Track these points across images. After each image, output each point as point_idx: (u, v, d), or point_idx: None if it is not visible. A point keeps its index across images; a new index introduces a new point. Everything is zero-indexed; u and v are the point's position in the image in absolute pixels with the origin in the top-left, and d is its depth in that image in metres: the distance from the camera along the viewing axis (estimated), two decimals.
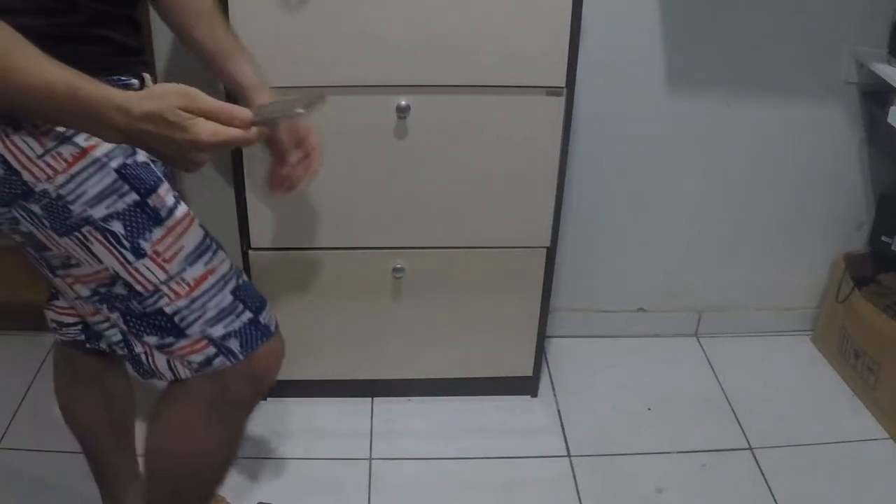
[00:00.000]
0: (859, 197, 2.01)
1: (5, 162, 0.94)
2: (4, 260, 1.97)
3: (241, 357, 1.09)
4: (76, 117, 0.86)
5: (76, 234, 0.99)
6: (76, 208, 0.97)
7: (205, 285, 1.05)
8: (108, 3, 0.98)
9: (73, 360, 1.31)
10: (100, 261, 1.01)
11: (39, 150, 0.94)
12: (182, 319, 1.05)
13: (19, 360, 1.95)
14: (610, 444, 1.79)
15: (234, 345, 1.09)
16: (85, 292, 1.07)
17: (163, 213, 1.02)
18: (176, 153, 0.88)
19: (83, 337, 1.23)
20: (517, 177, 1.60)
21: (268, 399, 1.86)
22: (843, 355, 2.00)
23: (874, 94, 1.83)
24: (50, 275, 1.08)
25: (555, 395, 1.93)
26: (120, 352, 1.14)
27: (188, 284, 1.04)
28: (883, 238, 1.97)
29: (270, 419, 1.80)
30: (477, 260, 1.69)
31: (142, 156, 1.01)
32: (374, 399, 1.88)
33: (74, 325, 1.23)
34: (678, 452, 1.78)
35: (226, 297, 1.07)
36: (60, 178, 0.96)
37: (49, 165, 0.95)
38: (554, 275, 1.74)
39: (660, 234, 2.02)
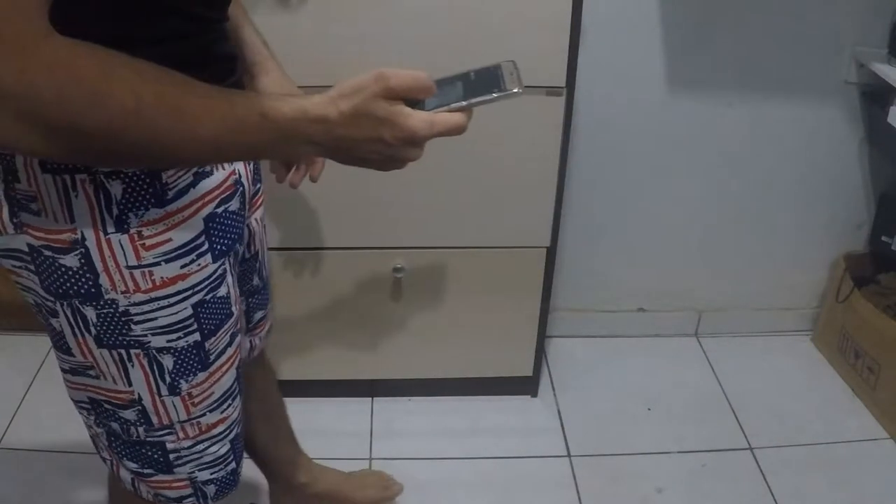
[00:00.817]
0: (859, 197, 2.01)
1: (89, 258, 0.82)
2: None
3: (210, 502, 1.04)
4: (269, 146, 0.76)
5: (121, 351, 0.88)
6: (137, 329, 0.87)
7: (214, 431, 0.99)
8: (222, 12, 0.88)
9: None
10: (129, 383, 0.91)
11: (133, 262, 0.83)
12: (178, 458, 0.98)
13: (19, 360, 1.95)
14: (610, 444, 1.79)
15: (210, 490, 1.03)
16: (77, 397, 0.97)
17: (212, 358, 0.94)
18: (386, 154, 0.78)
19: None
20: (517, 177, 1.60)
21: None
22: (843, 355, 2.00)
23: (874, 94, 1.83)
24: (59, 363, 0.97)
25: (555, 395, 1.93)
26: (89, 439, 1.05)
27: (200, 428, 0.97)
28: (883, 238, 1.97)
29: None
30: (477, 260, 1.69)
31: (223, 290, 0.91)
32: (374, 399, 1.89)
33: None
34: (678, 452, 1.78)
35: (224, 446, 1.02)
36: (139, 297, 0.85)
37: (134, 280, 0.84)
38: (554, 275, 1.74)
39: (660, 234, 2.02)
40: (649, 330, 2.13)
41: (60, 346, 0.91)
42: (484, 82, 0.80)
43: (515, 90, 0.78)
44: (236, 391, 1.00)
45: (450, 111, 0.78)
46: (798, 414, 1.90)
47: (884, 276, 1.99)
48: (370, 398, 1.89)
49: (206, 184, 0.86)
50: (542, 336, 1.82)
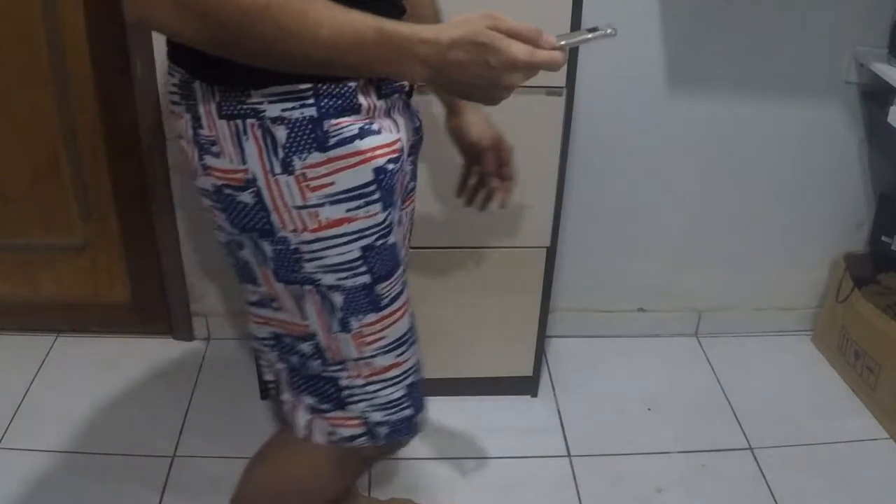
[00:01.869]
0: (859, 197, 2.02)
1: (260, 197, 0.90)
2: (4, 260, 1.97)
3: (381, 443, 1.08)
4: (383, 63, 0.82)
5: (296, 286, 0.95)
6: (308, 267, 0.93)
7: (386, 375, 1.03)
8: None
9: None
10: (305, 317, 0.98)
11: (299, 202, 0.90)
12: (350, 396, 1.03)
13: (19, 360, 1.95)
14: (610, 444, 1.79)
15: (382, 431, 1.07)
16: (262, 333, 1.04)
17: (384, 302, 0.99)
18: (488, 80, 0.84)
19: None
20: (517, 176, 1.60)
21: (268, 399, 1.86)
22: (843, 355, 2.00)
23: (874, 94, 1.83)
24: (244, 297, 1.04)
25: (555, 395, 1.93)
26: (269, 386, 1.13)
27: (372, 369, 1.02)
28: (883, 238, 1.97)
29: (271, 418, 1.80)
30: (477, 260, 1.69)
31: (392, 238, 0.97)
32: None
33: None
34: (678, 452, 1.78)
35: (398, 391, 1.06)
36: (307, 236, 0.91)
37: (302, 220, 0.90)
38: (554, 275, 1.74)
39: (660, 234, 2.02)
40: (649, 330, 2.14)
41: (250, 277, 0.99)
42: (580, 30, 0.91)
43: (609, 31, 0.88)
44: (411, 339, 1.06)
45: (562, 48, 0.87)
46: (798, 414, 1.90)
47: (884, 276, 1.99)
48: None
49: (374, 140, 0.91)
50: (542, 336, 1.82)
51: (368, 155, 0.91)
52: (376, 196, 0.92)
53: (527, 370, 1.87)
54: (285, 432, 1.12)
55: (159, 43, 1.68)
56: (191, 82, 0.89)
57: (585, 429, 1.83)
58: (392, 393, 1.05)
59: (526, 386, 1.91)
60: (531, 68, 0.84)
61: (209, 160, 0.91)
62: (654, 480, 1.70)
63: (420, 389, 1.10)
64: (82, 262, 1.97)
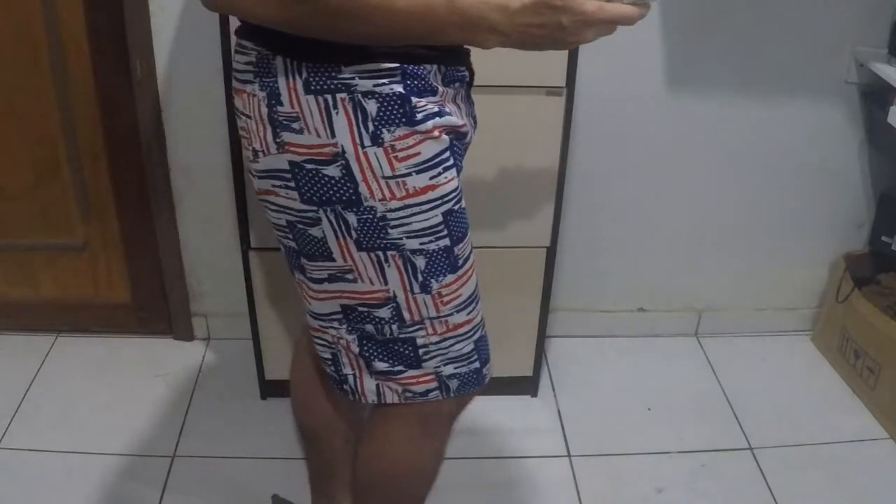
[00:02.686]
0: (859, 197, 2.02)
1: (349, 169, 0.94)
2: (5, 260, 1.97)
3: (451, 396, 1.13)
4: (456, 29, 0.86)
5: (379, 252, 0.99)
6: (394, 233, 0.98)
7: (460, 331, 1.09)
8: None
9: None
10: (386, 282, 1.02)
11: (388, 172, 0.94)
12: (426, 353, 1.08)
13: (19, 360, 1.95)
14: (610, 444, 1.79)
15: (453, 384, 1.12)
16: (328, 309, 1.07)
17: (460, 262, 1.05)
18: (561, 39, 0.87)
19: None
20: (517, 176, 1.60)
21: (268, 399, 1.86)
22: (843, 355, 2.00)
23: (874, 94, 1.83)
24: (300, 280, 1.08)
25: (555, 395, 1.93)
26: (327, 370, 1.16)
27: (448, 326, 1.07)
28: (883, 238, 1.97)
29: (271, 419, 1.80)
30: (477, 260, 1.69)
31: (464, 202, 1.04)
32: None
33: None
34: (678, 452, 1.78)
35: (468, 346, 1.11)
36: (394, 204, 0.96)
37: (390, 189, 0.95)
38: (554, 275, 1.74)
39: (660, 234, 2.02)
40: (649, 330, 2.14)
41: (321, 253, 1.01)
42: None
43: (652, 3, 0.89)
44: (479, 297, 1.11)
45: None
46: (798, 414, 1.90)
47: (884, 276, 1.99)
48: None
49: (449, 119, 0.98)
50: (542, 336, 1.82)
51: (444, 128, 0.97)
52: (451, 162, 0.99)
53: (527, 370, 1.87)
54: (371, 424, 1.20)
55: (160, 43, 1.69)
56: (271, 59, 0.92)
57: (585, 429, 1.83)
58: (463, 347, 1.10)
59: (526, 386, 1.91)
60: (605, 23, 0.87)
61: (288, 136, 0.93)
62: (654, 480, 1.70)
63: (485, 343, 1.15)
64: (82, 262, 1.97)
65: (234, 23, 1.11)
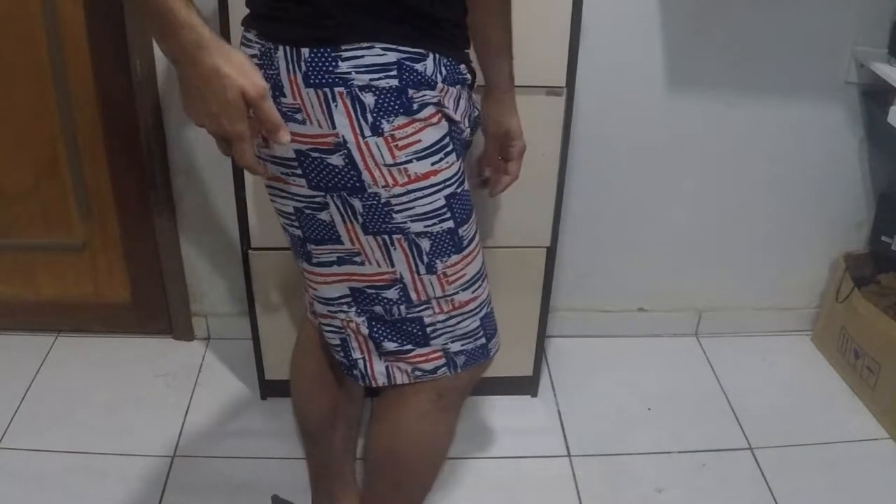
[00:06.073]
0: (859, 197, 2.02)
1: (351, 158, 0.97)
2: (4, 260, 1.97)
3: (459, 371, 1.16)
4: (155, 24, 0.84)
5: (384, 237, 1.03)
6: (398, 217, 1.01)
7: (465, 309, 1.12)
8: None
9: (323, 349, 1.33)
10: (392, 264, 1.05)
11: (389, 160, 0.98)
12: (434, 331, 1.11)
13: (19, 360, 1.95)
14: (610, 444, 1.79)
15: (460, 360, 1.15)
16: (337, 292, 1.10)
17: (464, 243, 1.08)
18: (205, 118, 0.88)
19: None
20: (516, 176, 1.60)
21: (268, 399, 1.86)
22: (843, 355, 2.00)
23: (874, 94, 1.83)
24: (306, 268, 1.11)
25: (555, 395, 1.93)
26: (336, 356, 1.18)
27: (453, 304, 1.11)
28: (883, 238, 1.97)
29: (271, 419, 1.80)
30: None
31: (466, 184, 1.07)
32: (375, 399, 1.88)
33: None
34: (678, 452, 1.78)
35: (474, 322, 1.14)
36: (397, 190, 0.99)
37: (392, 176, 0.98)
38: (554, 275, 1.74)
39: (660, 234, 2.02)
40: (649, 330, 2.14)
41: (329, 237, 1.05)
42: None
43: None
44: (484, 275, 1.15)
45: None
46: (798, 414, 1.90)
47: (884, 276, 1.99)
48: (369, 398, 1.88)
49: (446, 112, 1.01)
50: (542, 336, 1.82)
51: (444, 115, 1.01)
52: (450, 147, 1.02)
53: (527, 370, 1.87)
54: (383, 405, 1.23)
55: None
56: (273, 52, 0.95)
57: (585, 429, 1.83)
58: (470, 324, 1.14)
59: (526, 386, 1.91)
60: (232, 154, 0.90)
61: (292, 127, 0.96)
62: (654, 480, 1.70)
63: (491, 319, 1.19)
64: (82, 262, 1.97)
65: (236, 20, 1.12)
